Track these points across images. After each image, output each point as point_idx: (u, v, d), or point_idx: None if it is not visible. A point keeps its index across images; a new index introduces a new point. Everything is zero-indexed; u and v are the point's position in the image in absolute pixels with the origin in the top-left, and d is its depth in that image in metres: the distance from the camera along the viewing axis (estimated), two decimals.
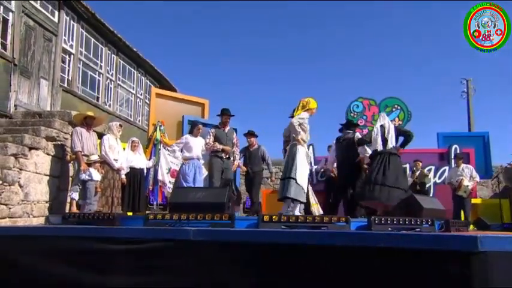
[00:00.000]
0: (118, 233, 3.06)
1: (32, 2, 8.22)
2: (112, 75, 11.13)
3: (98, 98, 10.46)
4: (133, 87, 12.33)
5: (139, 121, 12.60)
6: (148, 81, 13.19)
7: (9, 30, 7.57)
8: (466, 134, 10.17)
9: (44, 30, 8.53)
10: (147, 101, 12.40)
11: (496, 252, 2.00)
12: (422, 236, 2.74)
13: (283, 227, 4.21)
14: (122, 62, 11.62)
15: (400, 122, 9.82)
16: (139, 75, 12.68)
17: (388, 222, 4.52)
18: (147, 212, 7.12)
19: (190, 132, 6.79)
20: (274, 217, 4.25)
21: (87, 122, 6.66)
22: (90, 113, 6.88)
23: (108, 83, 10.99)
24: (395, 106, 9.96)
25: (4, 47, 7.46)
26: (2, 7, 7.45)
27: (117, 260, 2.85)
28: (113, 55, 11.18)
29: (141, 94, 12.73)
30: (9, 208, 5.62)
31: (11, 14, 7.62)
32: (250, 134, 7.45)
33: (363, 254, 2.33)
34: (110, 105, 10.95)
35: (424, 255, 2.14)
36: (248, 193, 7.49)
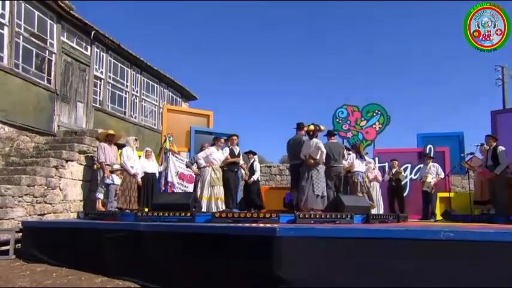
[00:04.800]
0: (104, 226, 4.93)
1: (69, 42, 10.41)
2: (137, 91, 13.28)
3: (125, 113, 12.62)
4: (156, 100, 14.43)
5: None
6: (170, 93, 15.25)
7: (53, 68, 9.79)
8: (443, 134, 10.95)
9: (79, 63, 10.73)
10: None
11: (285, 236, 3.54)
12: (248, 227, 4.23)
13: (229, 221, 5.76)
14: (145, 79, 13.74)
15: (380, 126, 10.95)
16: (162, 88, 14.76)
17: (312, 216, 5.96)
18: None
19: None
20: (223, 214, 5.86)
21: (109, 138, 8.65)
22: (111, 132, 8.85)
23: (134, 99, 13.14)
24: (376, 111, 11.04)
25: (49, 81, 9.69)
26: (47, 51, 9.68)
27: (103, 241, 4.75)
28: (137, 75, 13.30)
29: (163, 105, 14.76)
30: (53, 206, 7.79)
31: (53, 55, 9.84)
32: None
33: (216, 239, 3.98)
34: (135, 117, 13.11)
35: (251, 238, 3.75)
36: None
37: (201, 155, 7.02)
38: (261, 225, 5.00)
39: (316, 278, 3.41)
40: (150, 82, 14.10)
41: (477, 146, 8.08)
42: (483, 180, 8.13)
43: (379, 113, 10.95)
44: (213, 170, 6.89)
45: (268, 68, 63.60)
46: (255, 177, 8.37)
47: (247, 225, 4.91)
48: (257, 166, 8.64)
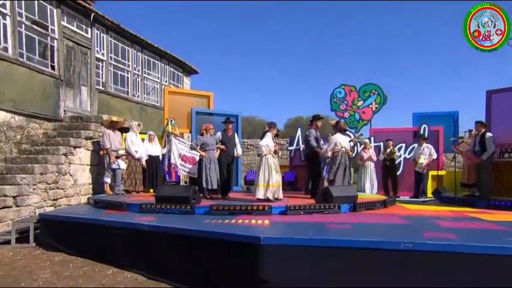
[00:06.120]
0: (111, 224, 5.50)
1: (70, 26, 10.54)
2: (138, 70, 13.47)
3: (127, 92, 12.92)
4: (158, 77, 14.63)
5: None
6: (172, 69, 15.39)
7: (56, 54, 10.02)
8: (438, 113, 11.17)
9: (81, 47, 10.91)
10: (172, 86, 14.68)
11: (268, 245, 4.03)
12: (237, 235, 4.37)
13: (226, 213, 6.24)
14: (146, 57, 13.87)
15: (377, 106, 11.17)
16: (163, 65, 14.90)
17: (301, 207, 6.43)
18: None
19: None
20: (220, 206, 6.35)
21: (113, 125, 9.07)
22: (114, 118, 9.26)
23: (136, 78, 13.37)
24: (373, 91, 11.22)
25: (53, 68, 9.96)
26: (49, 38, 9.87)
27: (111, 236, 5.35)
28: (138, 53, 13.44)
29: (165, 81, 14.99)
30: (65, 191, 8.38)
31: (55, 41, 10.03)
32: (228, 121, 8.17)
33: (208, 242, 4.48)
34: (138, 96, 13.42)
35: (239, 244, 4.26)
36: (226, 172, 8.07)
37: (264, 142, 6.96)
38: (253, 221, 5.53)
39: (296, 281, 3.95)
40: (151, 59, 14.25)
41: (465, 132, 8.40)
42: (470, 164, 8.52)
43: (376, 92, 11.15)
44: (273, 157, 6.96)
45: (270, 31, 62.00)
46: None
47: (240, 222, 5.40)
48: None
